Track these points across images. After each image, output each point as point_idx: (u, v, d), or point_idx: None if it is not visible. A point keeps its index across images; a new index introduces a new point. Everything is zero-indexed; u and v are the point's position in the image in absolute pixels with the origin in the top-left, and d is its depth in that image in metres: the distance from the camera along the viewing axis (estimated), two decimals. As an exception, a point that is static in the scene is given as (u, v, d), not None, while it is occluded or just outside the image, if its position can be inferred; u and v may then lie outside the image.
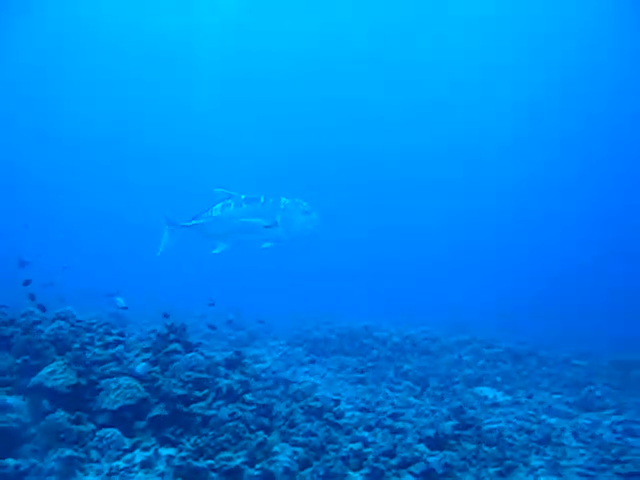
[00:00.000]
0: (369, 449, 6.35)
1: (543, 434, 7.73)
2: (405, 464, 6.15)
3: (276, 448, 6.06)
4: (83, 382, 5.98)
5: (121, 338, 7.25)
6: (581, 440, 7.83)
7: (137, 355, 7.03)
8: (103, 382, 6.13)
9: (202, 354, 7.26)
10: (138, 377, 6.33)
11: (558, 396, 10.37)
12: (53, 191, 45.31)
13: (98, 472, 5.23)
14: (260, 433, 6.06)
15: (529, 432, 7.88)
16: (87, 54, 38.29)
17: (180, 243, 8.86)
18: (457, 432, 7.06)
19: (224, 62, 39.79)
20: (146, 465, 5.40)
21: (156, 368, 6.70)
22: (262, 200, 8.13)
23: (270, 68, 40.49)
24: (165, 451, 5.67)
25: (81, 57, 38.48)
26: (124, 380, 6.14)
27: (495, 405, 9.52)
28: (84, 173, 47.46)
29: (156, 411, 6.05)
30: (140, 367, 6.48)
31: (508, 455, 6.77)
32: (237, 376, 7.24)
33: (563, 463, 6.81)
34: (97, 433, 5.56)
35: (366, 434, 6.87)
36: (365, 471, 5.98)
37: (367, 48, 37.27)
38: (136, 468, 5.35)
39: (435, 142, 46.37)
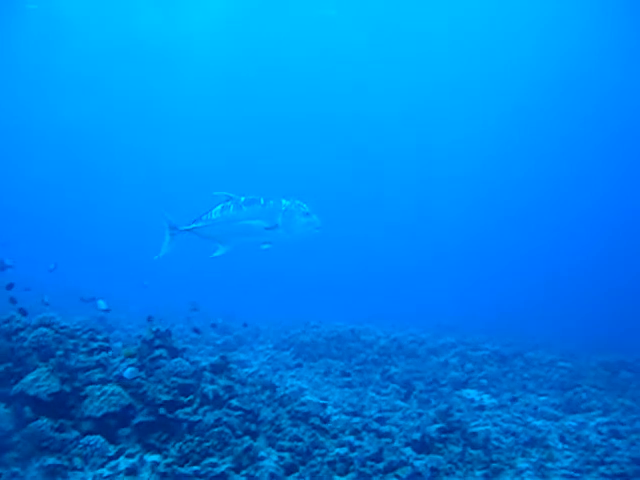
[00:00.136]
0: (355, 453, 6.34)
1: (529, 436, 7.77)
2: (392, 468, 6.14)
3: (262, 453, 6.04)
4: (67, 389, 5.92)
5: (106, 344, 7.17)
6: (567, 442, 7.86)
7: (122, 361, 6.97)
8: (88, 389, 6.08)
9: (188, 359, 7.23)
10: (126, 381, 6.29)
11: (544, 398, 10.42)
12: (46, 191, 45.23)
13: (81, 480, 5.18)
14: (246, 438, 6.03)
15: (515, 435, 7.91)
16: (80, 55, 38.04)
17: (178, 247, 8.80)
18: (444, 435, 7.06)
19: (223, 63, 39.58)
20: (131, 472, 5.36)
21: (141, 374, 6.65)
22: (262, 202, 8.09)
23: (268, 69, 40.35)
24: (150, 457, 5.63)
25: (74, 58, 38.24)
26: (109, 387, 6.09)
27: (481, 408, 9.54)
28: (78, 174, 47.35)
29: (141, 417, 6.01)
30: (128, 372, 6.44)
31: (494, 458, 6.79)
32: (223, 381, 7.20)
33: (549, 465, 6.83)
34: (81, 440, 5.50)
35: (352, 438, 6.85)
36: (352, 475, 5.97)
37: (364, 47, 37.12)
38: (121, 475, 5.31)
39: (430, 143, 46.38)
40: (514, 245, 43.76)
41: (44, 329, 6.65)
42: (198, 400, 6.51)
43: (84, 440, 5.51)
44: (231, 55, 38.93)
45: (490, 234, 44.43)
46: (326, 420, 7.37)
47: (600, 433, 8.34)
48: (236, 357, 12.03)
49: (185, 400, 6.42)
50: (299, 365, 11.80)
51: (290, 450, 6.19)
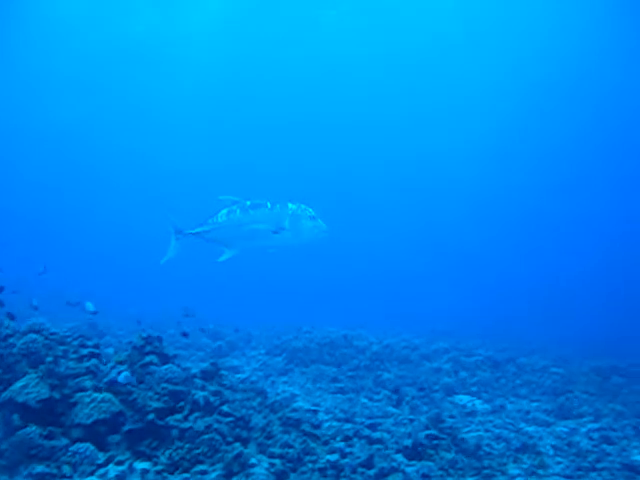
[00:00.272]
0: (346, 460, 6.32)
1: (521, 442, 7.77)
2: (383, 475, 6.13)
3: (253, 460, 6.01)
4: (56, 396, 5.88)
5: (96, 351, 7.13)
6: (558, 448, 7.87)
7: (113, 367, 6.94)
8: (77, 396, 6.04)
9: (179, 366, 7.19)
10: (116, 388, 6.26)
11: (536, 404, 10.43)
12: (40, 193, 45.13)
13: (70, 488, 5.15)
14: (237, 445, 6.00)
15: (507, 441, 7.91)
16: (75, 56, 37.92)
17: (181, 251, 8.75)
18: (435, 441, 7.04)
19: (222, 64, 39.46)
20: (120, 480, 5.33)
21: (132, 380, 6.61)
22: (269, 206, 8.08)
23: (268, 70, 40.22)
24: (140, 465, 5.59)
25: (70, 59, 38.13)
26: (99, 394, 6.06)
27: (474, 414, 9.54)
28: (72, 175, 47.29)
29: (131, 424, 5.97)
30: (122, 376, 6.42)
31: (486, 464, 6.78)
32: (214, 387, 7.18)
33: (540, 472, 6.83)
34: (70, 448, 5.47)
35: (343, 445, 6.83)
36: (342, 482, 5.96)
37: (363, 47, 37.04)
38: (110, 483, 5.27)
39: (428, 147, 46.36)
40: (510, 250, 43.83)
41: (34, 335, 6.61)
42: (189, 407, 6.47)
43: (73, 447, 5.47)
44: (230, 56, 38.77)
45: (486, 239, 44.46)
46: (317, 426, 7.36)
47: (591, 439, 8.36)
48: (228, 363, 12.01)
49: (176, 407, 6.40)
50: (291, 371, 11.78)
51: (281, 457, 6.17)
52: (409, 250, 43.61)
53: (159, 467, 5.50)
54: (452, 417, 9.04)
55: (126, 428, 5.91)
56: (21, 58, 36.74)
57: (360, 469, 6.17)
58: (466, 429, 8.38)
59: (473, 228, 45.18)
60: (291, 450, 6.28)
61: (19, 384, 5.79)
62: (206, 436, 5.94)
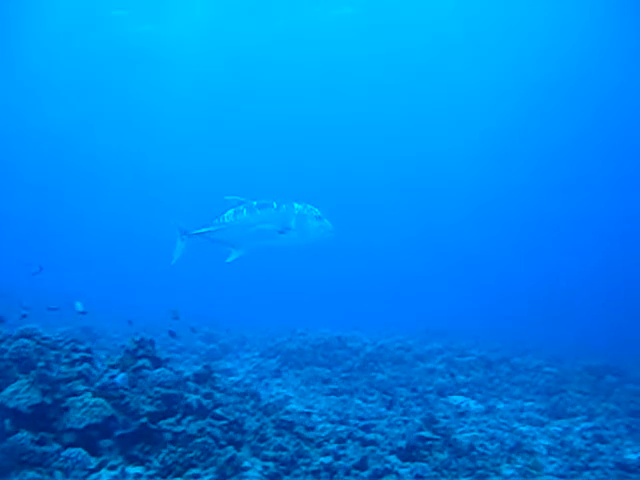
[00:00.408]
0: (340, 462, 6.32)
1: (515, 442, 7.78)
2: (376, 476, 6.13)
3: (246, 463, 6.00)
4: (48, 401, 5.85)
5: (89, 355, 7.11)
6: (552, 447, 7.89)
7: (106, 372, 6.91)
8: (69, 400, 6.01)
9: (171, 369, 7.17)
10: (109, 392, 6.24)
11: (530, 403, 10.45)
12: (34, 194, 44.97)
13: (62, 494, 5.13)
14: (230, 448, 5.99)
15: (501, 441, 7.92)
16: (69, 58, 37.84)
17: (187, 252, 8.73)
18: (429, 442, 7.04)
19: (224, 64, 39.31)
20: (112, 484, 5.31)
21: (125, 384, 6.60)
22: (275, 206, 8.07)
23: (268, 70, 40.09)
24: (133, 469, 5.57)
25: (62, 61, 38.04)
26: (91, 398, 6.03)
27: (467, 414, 9.56)
28: (65, 177, 47.17)
29: (123, 429, 5.95)
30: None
31: (480, 464, 6.78)
32: (207, 391, 7.17)
33: (534, 472, 6.84)
34: (62, 453, 5.43)
35: (337, 447, 6.83)
36: (336, 484, 5.95)
37: (364, 48, 36.93)
38: (102, 488, 5.25)
39: (427, 147, 46.34)
40: (510, 251, 43.87)
41: (25, 340, 6.57)
42: (182, 410, 6.46)
43: (65, 453, 5.44)
44: (231, 56, 38.60)
45: (486, 239, 44.47)
46: (311, 429, 7.35)
47: (585, 438, 8.38)
48: (222, 366, 12.00)
49: (168, 410, 6.38)
50: (285, 373, 11.77)
51: (274, 460, 6.16)
52: (408, 250, 43.61)
53: (152, 471, 5.49)
54: (446, 418, 9.05)
55: (118, 432, 5.89)
56: (20, 59, 36.60)
57: (354, 471, 6.17)
58: (460, 429, 8.39)
59: (473, 228, 45.20)
60: (284, 453, 6.27)
61: (10, 389, 5.76)
62: (199, 440, 5.93)
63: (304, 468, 6.08)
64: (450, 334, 18.05)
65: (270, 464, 6.03)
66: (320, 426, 7.80)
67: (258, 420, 7.06)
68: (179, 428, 6.13)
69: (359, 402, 9.67)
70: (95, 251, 36.11)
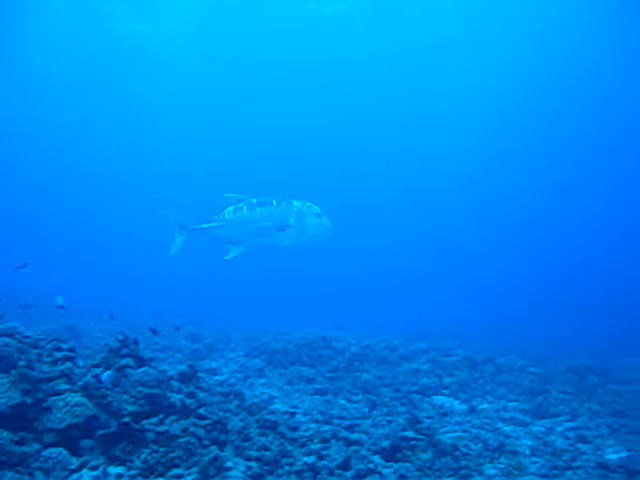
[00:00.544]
0: (324, 462, 6.31)
1: (498, 442, 7.81)
2: (359, 476, 6.13)
3: (229, 463, 5.97)
4: (29, 400, 5.78)
5: (71, 354, 7.03)
6: (535, 447, 7.93)
7: (88, 371, 6.84)
8: (50, 400, 5.94)
9: (155, 368, 7.12)
10: (90, 391, 6.18)
11: (514, 404, 10.50)
12: (32, 193, 44.67)
13: (42, 494, 5.07)
14: (213, 448, 5.95)
15: (484, 441, 7.94)
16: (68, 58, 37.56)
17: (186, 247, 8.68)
18: (413, 442, 7.05)
19: (223, 63, 39.10)
20: (94, 485, 5.25)
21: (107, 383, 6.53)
22: (275, 203, 8.04)
23: (268, 69, 39.89)
24: (114, 470, 5.52)
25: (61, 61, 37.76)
26: (72, 397, 5.97)
27: (451, 414, 9.58)
28: (63, 176, 46.89)
29: (105, 428, 5.89)
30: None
31: (463, 464, 6.80)
32: (191, 390, 7.12)
33: (517, 471, 6.87)
34: (42, 453, 5.37)
35: (321, 447, 6.82)
36: (319, 484, 5.94)
37: (364, 48, 36.83)
38: (83, 488, 5.20)
39: (428, 147, 46.36)
40: (509, 251, 44.07)
41: (6, 339, 6.49)
42: (165, 410, 6.41)
43: (45, 453, 5.37)
44: (232, 55, 38.41)
45: (485, 239, 44.64)
46: (295, 428, 7.34)
47: (567, 438, 8.44)
48: (206, 365, 11.95)
49: (152, 410, 6.33)
50: (270, 372, 11.74)
51: (257, 459, 6.14)
52: (407, 250, 43.74)
53: (133, 471, 5.44)
54: (430, 418, 9.07)
55: (100, 432, 5.83)
56: (20, 59, 36.30)
57: (337, 471, 6.16)
58: (443, 429, 8.41)
59: (473, 228, 45.38)
60: (268, 453, 6.24)
61: (-10, 389, 5.69)
62: (182, 439, 5.88)
63: (287, 468, 6.06)
64: (435, 334, 18.11)
65: (253, 464, 6.01)
66: (304, 426, 7.79)
67: (242, 420, 7.03)
68: (162, 428, 6.08)
69: (343, 402, 9.67)
70: (94, 251, 35.94)
